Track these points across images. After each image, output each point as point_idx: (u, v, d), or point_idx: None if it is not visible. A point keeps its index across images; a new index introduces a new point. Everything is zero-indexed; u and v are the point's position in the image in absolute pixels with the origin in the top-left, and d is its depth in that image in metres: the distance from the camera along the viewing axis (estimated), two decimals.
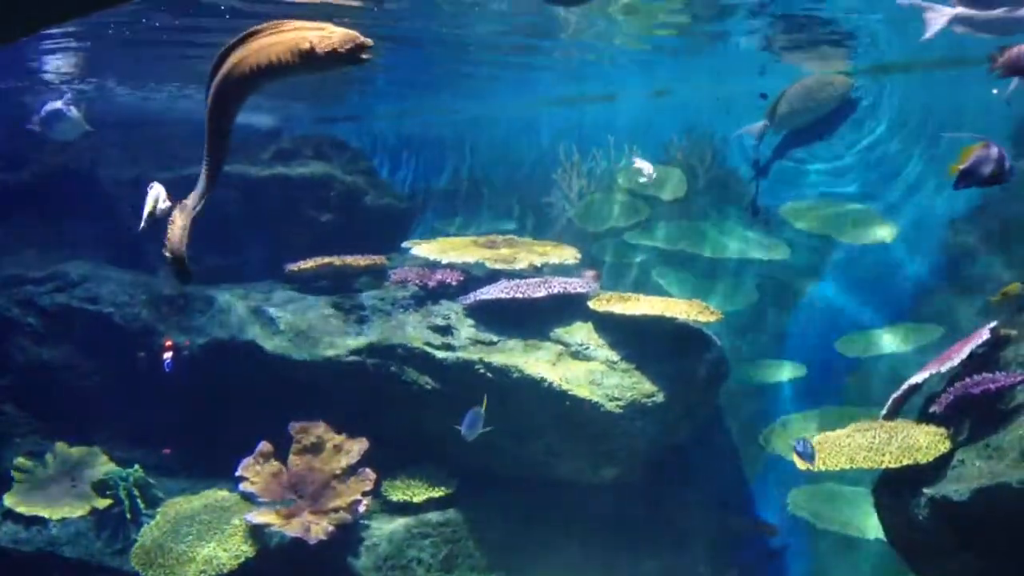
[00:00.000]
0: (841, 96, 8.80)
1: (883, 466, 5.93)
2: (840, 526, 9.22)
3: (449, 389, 8.79)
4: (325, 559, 8.48)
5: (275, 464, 9.02)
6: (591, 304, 9.08)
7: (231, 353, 9.75)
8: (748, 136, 10.39)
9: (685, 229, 11.61)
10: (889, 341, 9.98)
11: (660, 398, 8.55)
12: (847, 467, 6.05)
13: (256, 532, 8.55)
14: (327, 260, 10.41)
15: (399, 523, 8.90)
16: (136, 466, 9.33)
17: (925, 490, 5.61)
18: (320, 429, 9.16)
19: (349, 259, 10.42)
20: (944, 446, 5.80)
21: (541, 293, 9.06)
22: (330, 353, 9.24)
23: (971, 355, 6.47)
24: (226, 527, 8.65)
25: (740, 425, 10.40)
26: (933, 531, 5.58)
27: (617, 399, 8.40)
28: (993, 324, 6.69)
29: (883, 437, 6.11)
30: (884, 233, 10.62)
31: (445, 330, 9.13)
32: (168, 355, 8.91)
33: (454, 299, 9.63)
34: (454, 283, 9.77)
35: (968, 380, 6.03)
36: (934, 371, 6.55)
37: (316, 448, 9.09)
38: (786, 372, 10.51)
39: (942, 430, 6.01)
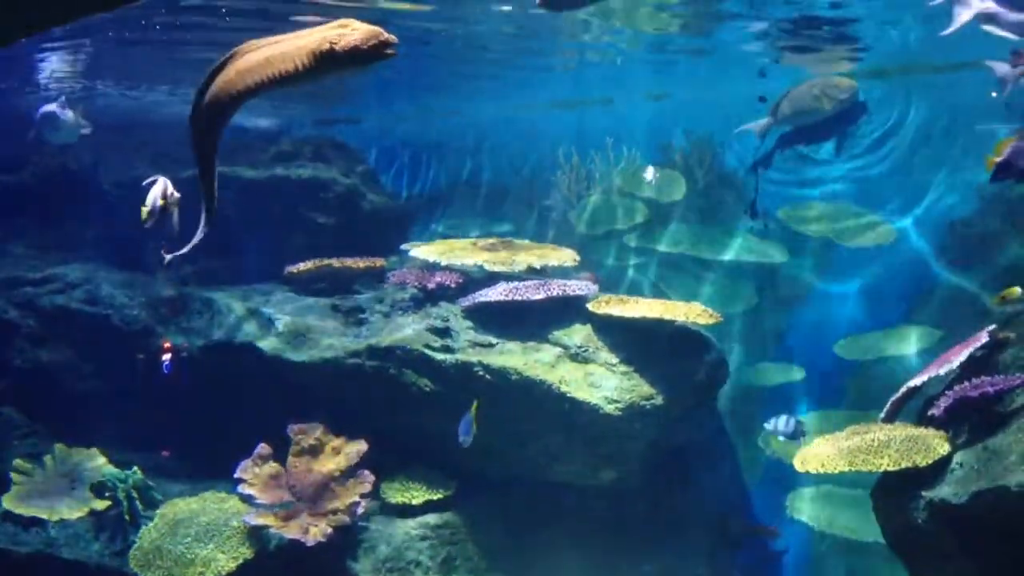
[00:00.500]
0: (846, 99, 8.79)
1: (882, 469, 5.92)
2: (839, 529, 9.22)
3: (448, 391, 8.78)
4: (323, 561, 8.47)
5: (274, 466, 9.01)
6: (590, 306, 9.08)
7: (230, 355, 9.74)
8: (749, 136, 10.39)
9: (684, 231, 11.62)
10: (888, 344, 9.99)
11: (659, 400, 8.54)
12: (846, 470, 6.04)
13: (255, 534, 8.54)
14: (326, 262, 10.42)
15: (398, 525, 8.89)
16: (135, 468, 9.31)
17: (924, 493, 5.61)
18: (319, 431, 9.15)
19: (348, 261, 10.43)
20: (943, 449, 5.80)
21: (540, 295, 9.06)
22: (329, 355, 9.24)
23: (970, 358, 6.47)
24: (225, 529, 8.64)
25: (739, 428, 10.40)
26: (932, 534, 5.57)
27: (616, 401, 8.40)
28: (992, 327, 6.69)
29: (882, 440, 6.11)
30: (883, 236, 10.64)
31: (444, 332, 9.12)
32: (167, 357, 8.90)
33: (453, 301, 9.63)
34: (453, 285, 9.78)
35: (967, 383, 6.03)
36: (933, 374, 6.55)
37: (315, 450, 9.08)
38: (785, 375, 10.53)
39: (941, 433, 6.01)
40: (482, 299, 9.28)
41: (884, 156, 11.03)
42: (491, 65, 12.78)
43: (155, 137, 13.46)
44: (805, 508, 9.43)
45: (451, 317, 9.34)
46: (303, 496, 8.78)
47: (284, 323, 9.65)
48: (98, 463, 9.54)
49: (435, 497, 9.06)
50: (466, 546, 8.97)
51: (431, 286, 9.76)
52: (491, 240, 11.00)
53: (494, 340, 9.02)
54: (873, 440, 6.16)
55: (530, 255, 10.13)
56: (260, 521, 8.47)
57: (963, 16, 6.56)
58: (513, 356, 8.79)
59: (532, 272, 9.75)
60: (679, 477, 9.65)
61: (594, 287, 9.63)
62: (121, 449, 9.80)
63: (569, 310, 9.20)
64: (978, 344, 6.55)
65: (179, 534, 8.62)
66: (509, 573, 8.97)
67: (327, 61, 3.21)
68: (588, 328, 9.10)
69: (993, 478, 5.22)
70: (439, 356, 8.88)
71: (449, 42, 11.25)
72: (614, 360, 8.79)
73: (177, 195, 5.91)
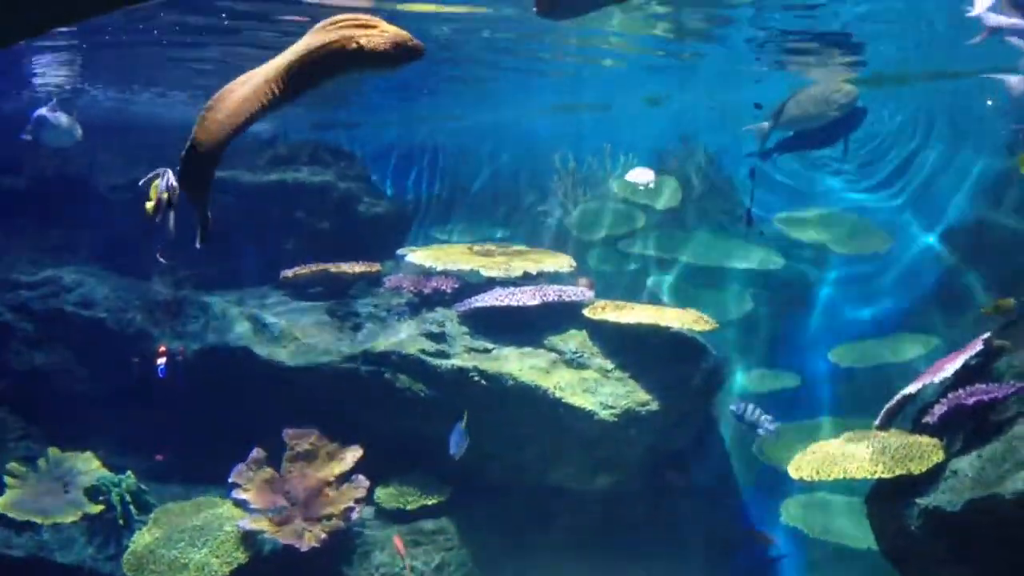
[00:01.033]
0: (846, 104, 8.79)
1: (876, 476, 5.92)
2: (833, 536, 9.22)
3: (443, 396, 8.77)
4: (317, 566, 8.45)
5: (268, 471, 9.00)
6: (586, 312, 9.08)
7: (225, 359, 9.73)
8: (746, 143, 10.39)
9: (680, 238, 11.63)
10: (883, 351, 10.00)
11: (655, 406, 8.54)
12: (840, 477, 6.04)
13: (248, 539, 8.53)
14: (322, 267, 10.41)
15: (392, 531, 8.88)
16: (129, 472, 9.30)
17: (918, 500, 5.61)
18: (314, 436, 9.13)
19: (344, 266, 10.42)
20: (937, 456, 5.80)
21: (536, 301, 9.06)
22: (324, 360, 9.23)
23: (965, 366, 6.47)
24: (219, 534, 8.62)
25: (734, 434, 10.40)
26: (926, 541, 5.58)
27: (611, 407, 8.40)
28: (987, 335, 6.70)
29: (877, 447, 6.11)
30: (879, 243, 10.65)
31: (440, 337, 9.12)
32: (162, 361, 8.89)
33: (449, 306, 9.62)
34: (449, 290, 9.77)
35: (961, 391, 6.03)
36: (928, 381, 6.55)
37: (309, 455, 9.07)
38: (781, 382, 10.53)
39: (935, 440, 6.01)
40: (478, 304, 9.28)
41: (880, 163, 11.07)
42: (489, 69, 12.79)
43: (151, 140, 13.44)
44: (800, 515, 9.43)
45: (447, 322, 9.33)
46: (298, 501, 8.76)
47: (280, 327, 9.64)
48: (92, 467, 9.53)
49: (430, 502, 9.04)
50: (461, 552, 8.96)
51: (427, 291, 9.76)
52: (487, 245, 11.01)
53: (490, 345, 9.02)
54: (868, 447, 6.16)
55: (526, 260, 10.13)
56: (254, 526, 8.46)
57: (993, 20, 6.59)
58: (509, 361, 8.78)
59: (528, 277, 9.75)
60: (675, 483, 9.63)
61: (590, 293, 9.63)
62: (115, 453, 9.79)
63: (565, 316, 9.20)
64: (973, 352, 6.56)
65: (173, 538, 8.60)
66: None
67: (353, 61, 3.16)
68: (584, 334, 9.10)
69: (987, 486, 5.23)
70: (435, 361, 8.87)
71: (447, 48, 11.26)
72: (610, 366, 8.79)
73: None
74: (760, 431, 8.40)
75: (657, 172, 11.76)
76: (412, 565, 8.59)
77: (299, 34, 3.26)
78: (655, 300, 10.97)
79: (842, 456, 6.18)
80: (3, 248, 11.45)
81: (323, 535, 8.39)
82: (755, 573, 10.00)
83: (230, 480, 8.90)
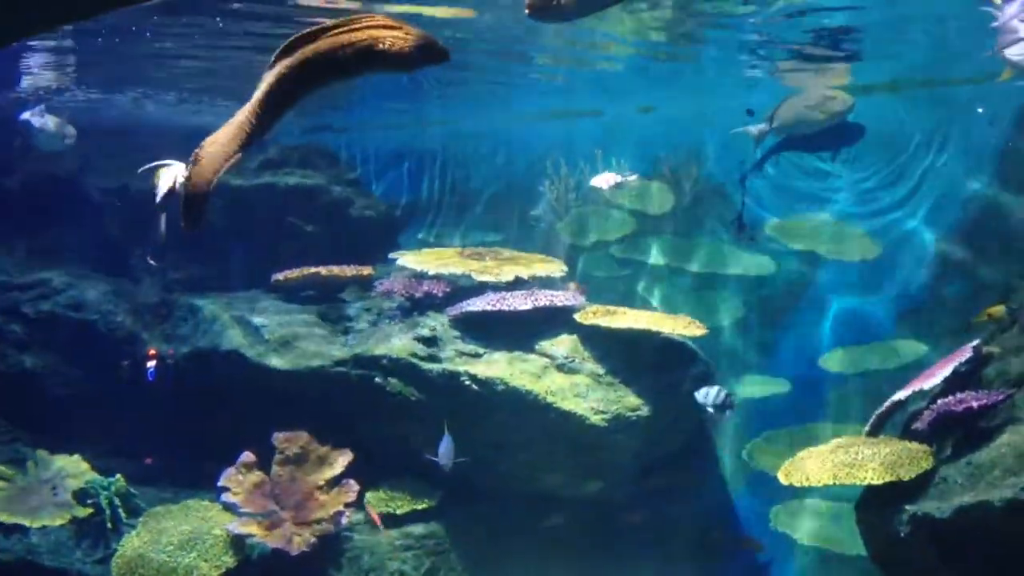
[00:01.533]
0: (840, 113, 8.79)
1: (866, 482, 5.94)
2: (823, 542, 9.24)
3: (434, 400, 8.77)
4: (306, 571, 8.42)
5: (258, 474, 8.97)
6: (577, 317, 9.09)
7: (215, 362, 9.70)
8: (738, 149, 10.39)
9: (671, 243, 11.66)
10: (873, 358, 10.03)
11: (645, 412, 8.55)
12: (830, 483, 6.06)
13: (238, 543, 8.50)
14: (313, 270, 10.39)
15: (382, 535, 8.87)
16: (118, 475, 9.26)
17: (907, 507, 5.62)
18: (304, 439, 9.11)
19: (335, 269, 10.40)
20: (926, 463, 5.82)
21: (527, 305, 9.06)
22: (315, 363, 9.21)
23: (954, 373, 6.50)
24: (208, 537, 8.59)
25: (724, 440, 10.41)
26: (915, 548, 5.59)
27: (602, 412, 8.40)
28: (976, 342, 6.73)
29: (866, 453, 6.13)
30: (869, 250, 10.68)
31: (431, 341, 9.11)
32: (152, 364, 8.86)
33: (440, 310, 9.61)
34: (440, 294, 9.76)
35: (951, 398, 6.06)
36: (917, 388, 6.58)
37: (299, 459, 9.04)
38: (771, 387, 10.55)
39: (925, 447, 6.03)
40: (469, 308, 9.28)
41: (869, 172, 11.11)
42: (481, 72, 12.78)
43: (143, 143, 13.41)
44: (789, 521, 9.44)
45: (438, 326, 9.32)
46: (287, 505, 8.74)
47: (270, 331, 9.61)
48: (81, 470, 9.48)
49: (420, 507, 9.04)
50: (450, 556, 8.96)
51: (418, 295, 9.75)
52: (479, 250, 11.01)
53: (481, 350, 9.01)
54: (858, 453, 6.17)
55: (517, 265, 10.13)
56: (243, 530, 8.43)
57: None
58: (500, 366, 8.78)
59: (519, 282, 9.75)
60: (664, 489, 9.64)
61: (581, 298, 9.64)
62: (104, 456, 9.74)
63: (556, 320, 9.21)
64: (962, 359, 6.58)
65: (162, 542, 8.57)
66: None
67: (377, 61, 3.17)
68: (575, 339, 9.11)
69: (977, 493, 5.25)
70: (426, 365, 8.86)
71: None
72: (600, 371, 8.80)
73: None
74: (727, 413, 8.29)
75: (648, 178, 11.80)
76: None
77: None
78: (646, 305, 10.98)
79: (832, 462, 6.19)
80: None
81: (312, 539, 8.37)
82: None
83: (219, 484, 8.86)
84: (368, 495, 9.04)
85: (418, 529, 8.96)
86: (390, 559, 8.71)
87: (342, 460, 8.96)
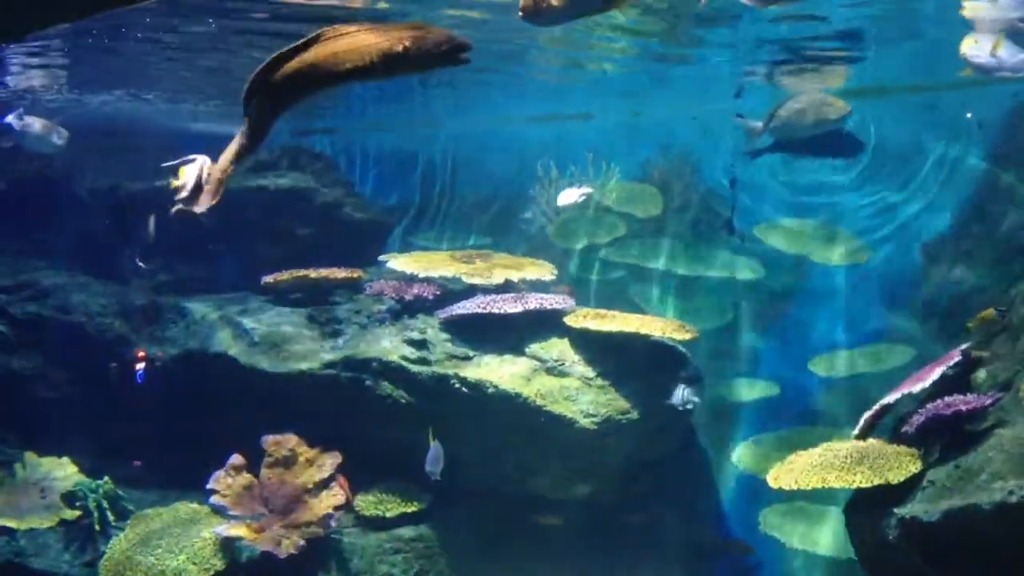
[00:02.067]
0: (836, 119, 8.79)
1: (854, 486, 5.95)
2: (811, 545, 9.25)
3: (424, 403, 8.76)
4: (295, 574, 8.41)
5: (247, 477, 8.95)
6: (567, 320, 9.09)
7: (204, 365, 9.67)
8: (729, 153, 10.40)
9: (662, 246, 11.67)
10: (862, 361, 10.06)
11: (635, 415, 8.56)
12: (819, 486, 6.07)
13: (226, 545, 8.47)
14: (303, 273, 10.35)
15: (371, 538, 8.86)
16: (106, 478, 9.23)
17: (896, 510, 5.63)
18: (293, 442, 9.09)
19: (325, 272, 10.37)
20: (915, 467, 5.83)
21: (517, 308, 9.06)
22: (304, 366, 9.19)
23: (943, 376, 6.52)
24: (196, 540, 8.57)
25: (714, 443, 10.42)
26: (903, 551, 5.60)
27: (592, 415, 8.41)
28: (965, 346, 6.75)
29: (855, 457, 6.14)
30: (857, 253, 10.71)
31: (421, 344, 9.10)
32: (140, 366, 8.82)
33: (430, 313, 9.60)
34: (430, 297, 9.75)
35: (940, 401, 6.06)
36: (906, 392, 6.59)
37: (288, 461, 9.03)
38: (760, 391, 10.57)
39: (913, 450, 6.04)
40: (460, 311, 9.27)
41: (860, 175, 11.14)
42: (473, 74, 12.78)
43: (133, 144, 13.40)
44: (778, 524, 9.45)
45: (428, 329, 9.32)
46: (276, 508, 8.73)
47: (260, 333, 9.59)
48: (69, 472, 9.45)
49: (409, 509, 9.02)
50: (440, 559, 8.95)
51: (409, 298, 9.74)
52: (469, 252, 11.00)
53: (471, 352, 9.01)
54: (846, 457, 6.18)
55: (508, 268, 10.13)
56: (232, 533, 8.41)
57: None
58: (490, 369, 8.78)
59: (510, 285, 9.75)
60: (654, 491, 9.65)
61: (571, 301, 9.64)
62: (92, 458, 9.70)
63: (546, 323, 9.21)
64: (951, 363, 6.61)
65: (150, 545, 8.55)
66: None
67: (399, 62, 3.21)
68: (565, 342, 9.11)
69: (965, 496, 5.26)
70: (415, 368, 8.86)
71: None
72: (590, 374, 8.80)
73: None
74: (690, 406, 8.43)
75: (639, 181, 11.83)
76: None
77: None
78: (636, 309, 10.99)
79: (821, 465, 6.20)
80: None
81: (301, 542, 8.35)
82: None
83: (208, 486, 8.84)
84: (357, 498, 9.02)
85: (407, 532, 8.95)
86: (379, 562, 8.70)
87: (331, 462, 8.95)
